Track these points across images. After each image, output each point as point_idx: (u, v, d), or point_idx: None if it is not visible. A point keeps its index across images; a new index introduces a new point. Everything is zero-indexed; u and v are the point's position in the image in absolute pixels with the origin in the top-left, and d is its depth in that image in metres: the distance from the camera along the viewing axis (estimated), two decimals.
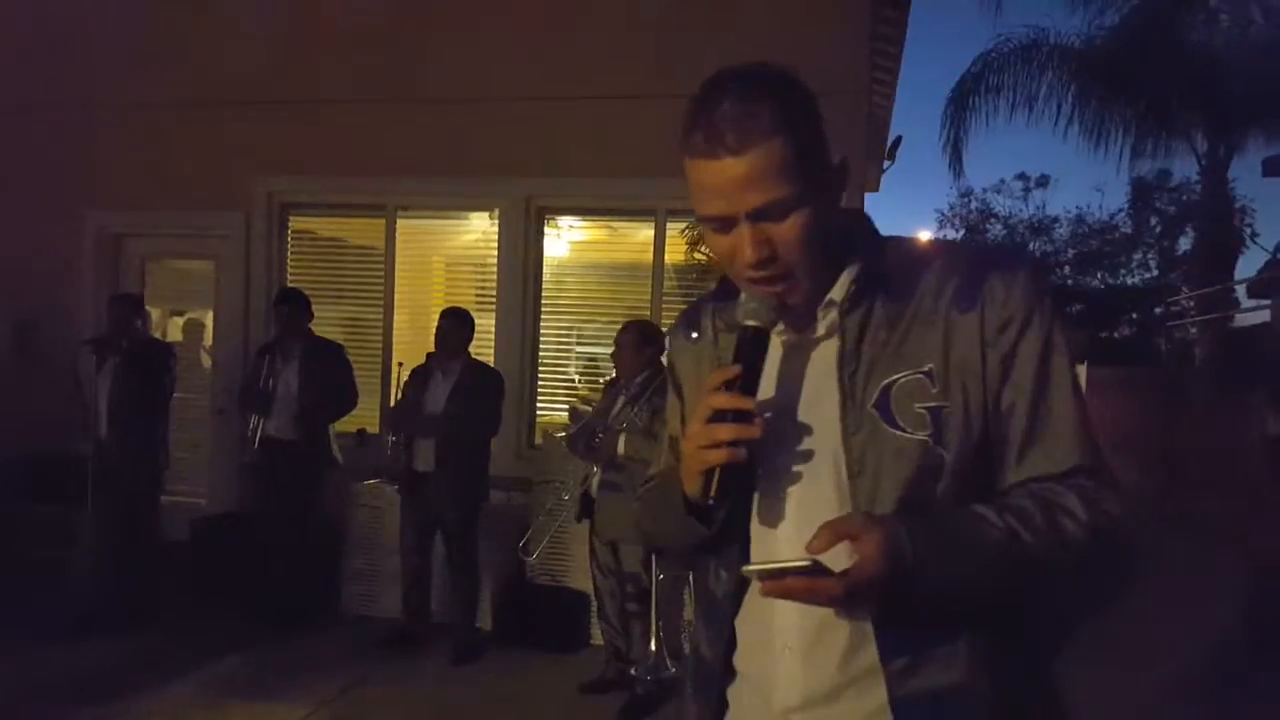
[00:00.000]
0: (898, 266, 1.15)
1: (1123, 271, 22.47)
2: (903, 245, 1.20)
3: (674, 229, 5.55)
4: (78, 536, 4.92)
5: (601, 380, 5.00)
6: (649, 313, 5.31)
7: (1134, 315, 21.08)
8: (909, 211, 39.08)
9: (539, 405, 5.71)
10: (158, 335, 6.07)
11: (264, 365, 4.98)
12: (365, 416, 5.43)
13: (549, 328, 5.72)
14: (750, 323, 1.11)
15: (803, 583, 0.98)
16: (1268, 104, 12.40)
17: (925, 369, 1.09)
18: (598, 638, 4.57)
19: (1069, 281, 22.29)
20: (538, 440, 5.57)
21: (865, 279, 1.13)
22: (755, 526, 1.17)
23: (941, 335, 1.09)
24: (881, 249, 1.18)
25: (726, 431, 1.06)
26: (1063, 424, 1.10)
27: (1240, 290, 15.59)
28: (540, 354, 5.70)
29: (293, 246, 6.07)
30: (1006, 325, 1.09)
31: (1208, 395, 11.16)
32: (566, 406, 5.11)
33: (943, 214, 25.79)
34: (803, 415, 1.15)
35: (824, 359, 1.15)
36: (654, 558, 3.85)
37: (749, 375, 1.10)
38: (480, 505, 4.75)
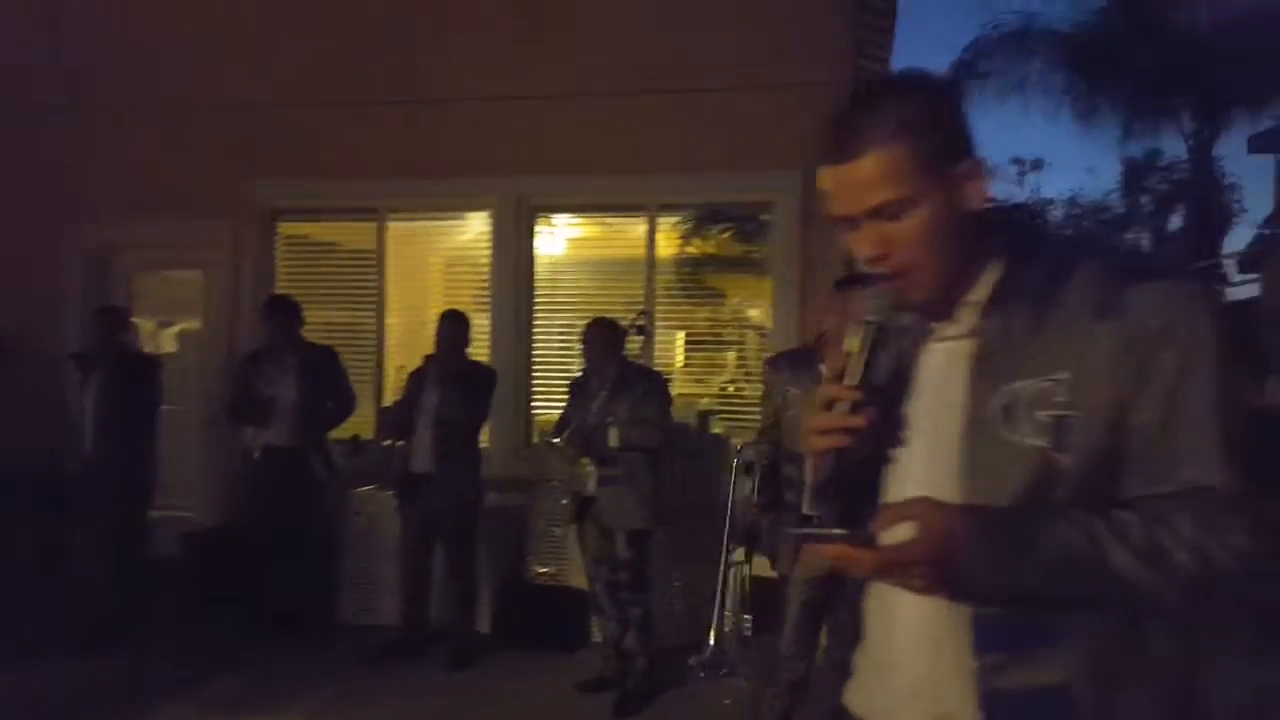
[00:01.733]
0: (1047, 268, 1.13)
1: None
2: (1057, 246, 1.19)
3: (666, 224, 5.51)
4: (67, 552, 4.86)
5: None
6: (643, 307, 5.26)
7: None
8: None
9: (534, 404, 5.67)
10: (149, 348, 6.01)
11: (257, 375, 4.93)
12: (359, 423, 5.38)
13: (543, 326, 5.67)
14: (869, 317, 1.16)
15: (839, 549, 1.02)
16: (1251, 83, 12.44)
17: (1056, 376, 1.07)
18: (598, 635, 4.55)
19: None
20: (535, 440, 5.53)
21: (1008, 280, 1.14)
22: None
23: (1078, 343, 1.07)
24: (1033, 248, 1.16)
25: (830, 419, 1.13)
26: (1193, 442, 1.05)
27: (1230, 265, 15.67)
28: (535, 353, 5.65)
29: (283, 253, 6.01)
30: (1145, 337, 1.05)
31: None
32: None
33: None
34: (930, 413, 1.18)
35: (959, 358, 1.16)
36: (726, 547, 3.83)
37: (866, 367, 1.15)
38: (477, 506, 4.72)
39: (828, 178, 1.14)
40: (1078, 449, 1.06)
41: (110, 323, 4.92)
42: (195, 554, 5.26)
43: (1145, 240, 22.19)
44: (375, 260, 5.82)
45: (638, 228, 5.54)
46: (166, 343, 6.37)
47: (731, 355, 5.69)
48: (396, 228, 5.82)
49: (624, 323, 4.31)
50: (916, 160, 1.09)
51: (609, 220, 5.84)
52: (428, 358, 4.69)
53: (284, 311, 5.01)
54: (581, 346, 4.32)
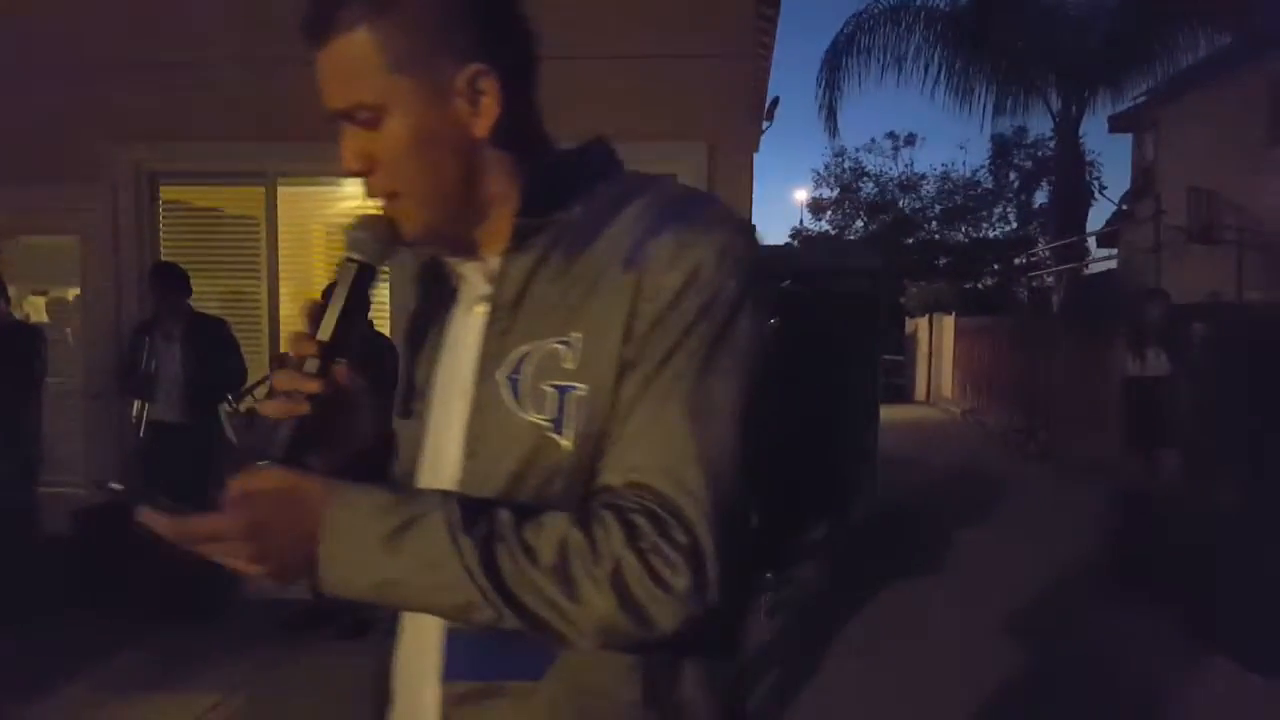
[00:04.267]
0: (585, 207, 0.92)
1: (985, 225, 23.70)
2: (630, 182, 0.96)
3: None
4: None
5: None
6: None
7: (995, 266, 22.34)
8: (788, 171, 39.95)
9: None
10: (20, 316, 5.68)
11: (143, 345, 4.75)
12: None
13: None
14: (352, 255, 0.95)
15: (146, 514, 0.81)
16: (1113, 64, 13.26)
17: (568, 337, 0.87)
18: None
19: (936, 236, 23.38)
20: None
21: (532, 221, 0.92)
22: None
23: (600, 299, 0.86)
24: (573, 183, 0.95)
25: (286, 380, 0.92)
26: (661, 435, 0.84)
27: (1091, 241, 16.77)
28: None
29: (164, 218, 5.76)
30: (658, 295, 0.85)
31: (1063, 340, 11.99)
32: None
33: (818, 173, 26.47)
34: (448, 382, 0.98)
35: (481, 315, 0.95)
36: None
37: (341, 319, 0.93)
38: None
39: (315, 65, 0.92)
40: (579, 429, 0.86)
41: None
42: (87, 531, 5.05)
43: (1012, 215, 23.46)
44: (263, 226, 5.64)
45: None
46: (37, 312, 6.04)
47: None
48: (286, 192, 5.64)
49: None
50: (402, 51, 0.87)
51: None
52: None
53: (169, 279, 4.83)
54: None
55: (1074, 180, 15.21)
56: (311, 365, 0.92)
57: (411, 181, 0.91)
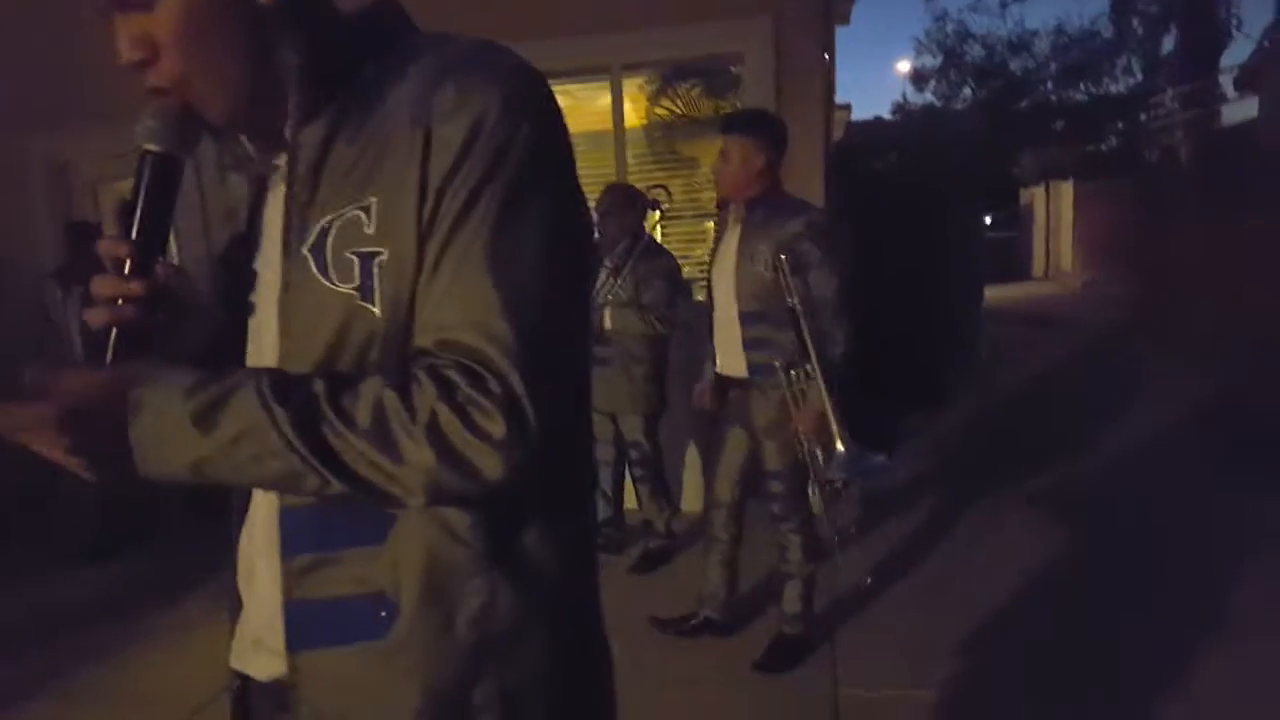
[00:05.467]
0: (394, 67, 0.89)
1: (1106, 80, 21.88)
2: (422, 41, 0.93)
3: (631, 86, 5.34)
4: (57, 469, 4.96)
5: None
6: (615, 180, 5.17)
7: (1119, 125, 20.70)
8: (885, 43, 37.82)
9: None
10: None
11: None
12: None
13: None
14: (149, 146, 0.89)
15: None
16: None
17: (366, 202, 0.86)
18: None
19: (1052, 97, 21.77)
20: None
21: (319, 82, 0.89)
22: None
23: (392, 158, 0.86)
24: (380, 46, 0.92)
25: (105, 285, 0.88)
26: (466, 290, 0.83)
27: (1226, 84, 15.24)
28: None
29: None
30: (445, 149, 0.84)
31: (1191, 201, 11.03)
32: None
33: (919, 41, 24.94)
34: (262, 266, 0.97)
35: (283, 192, 0.93)
36: None
37: (149, 215, 0.90)
38: None
39: None
40: (388, 296, 0.86)
41: (81, 237, 4.88)
42: None
43: (1138, 67, 21.54)
44: None
45: (603, 96, 5.37)
46: None
47: (710, 225, 5.58)
48: None
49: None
50: None
51: (571, 89, 5.66)
52: None
53: None
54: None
55: (1205, 15, 13.78)
56: (128, 267, 0.89)
57: (201, 61, 0.87)
